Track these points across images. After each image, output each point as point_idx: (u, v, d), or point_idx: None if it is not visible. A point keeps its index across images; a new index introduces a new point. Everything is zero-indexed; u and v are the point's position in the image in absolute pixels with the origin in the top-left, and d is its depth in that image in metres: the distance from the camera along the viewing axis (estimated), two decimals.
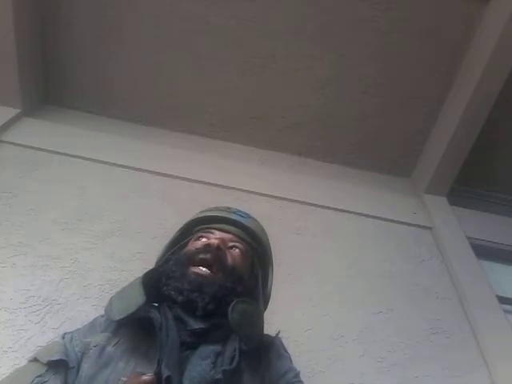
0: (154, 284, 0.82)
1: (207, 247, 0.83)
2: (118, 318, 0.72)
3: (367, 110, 2.28)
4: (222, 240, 0.86)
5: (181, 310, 0.78)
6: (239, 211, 0.98)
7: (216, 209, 0.99)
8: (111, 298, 0.78)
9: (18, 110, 2.11)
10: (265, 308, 0.95)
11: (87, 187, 1.82)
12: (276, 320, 1.13)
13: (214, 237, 0.87)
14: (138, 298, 0.73)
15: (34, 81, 2.23)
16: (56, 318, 1.28)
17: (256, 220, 1.01)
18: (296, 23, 2.10)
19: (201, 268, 0.81)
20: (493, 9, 1.97)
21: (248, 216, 0.99)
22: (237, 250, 0.88)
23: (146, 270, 0.86)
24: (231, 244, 0.88)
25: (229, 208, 1.00)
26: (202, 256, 0.82)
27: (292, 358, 0.85)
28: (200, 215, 0.98)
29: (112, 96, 2.32)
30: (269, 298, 0.99)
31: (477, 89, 2.01)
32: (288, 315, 1.44)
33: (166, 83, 2.27)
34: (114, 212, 1.73)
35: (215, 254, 0.82)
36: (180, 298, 0.78)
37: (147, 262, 1.03)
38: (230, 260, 0.84)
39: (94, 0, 2.09)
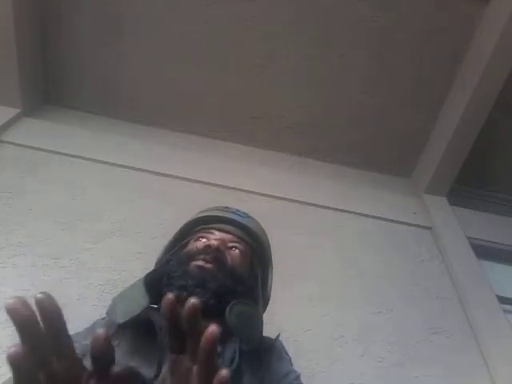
0: (156, 285, 0.82)
1: (207, 248, 0.83)
2: (121, 320, 0.72)
3: (367, 110, 2.28)
4: (222, 241, 0.86)
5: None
6: (238, 211, 0.98)
7: (215, 209, 0.99)
8: (113, 300, 0.78)
9: (18, 110, 2.11)
10: (264, 308, 0.95)
11: (87, 187, 1.82)
12: (276, 320, 1.13)
13: (214, 237, 0.87)
14: (141, 300, 0.73)
15: (34, 81, 2.23)
16: None
17: (255, 219, 1.01)
18: (296, 23, 2.10)
19: (203, 262, 0.81)
20: (493, 9, 1.97)
21: (247, 216, 0.99)
22: (236, 251, 0.88)
23: (147, 271, 0.86)
24: (231, 244, 0.88)
25: (228, 208, 0.99)
26: (202, 257, 0.82)
27: (292, 358, 0.85)
28: (199, 215, 0.98)
29: (112, 96, 2.32)
30: (269, 298, 0.99)
31: (477, 89, 2.01)
32: (288, 315, 1.44)
33: (166, 83, 2.27)
34: (114, 212, 1.73)
35: (215, 255, 0.82)
36: (184, 294, 0.77)
37: (147, 261, 1.02)
38: (229, 261, 0.84)
39: (94, 0, 2.09)
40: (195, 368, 0.42)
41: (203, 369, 0.41)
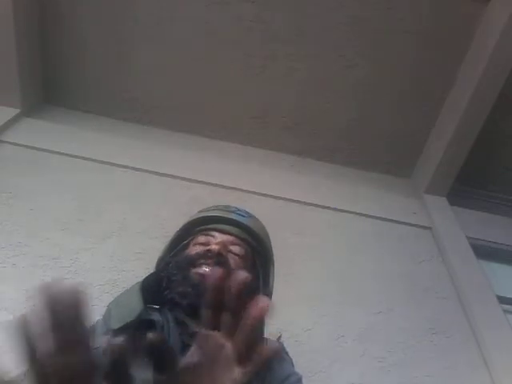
0: (155, 287, 0.81)
1: (208, 253, 0.82)
2: (115, 327, 0.71)
3: (367, 110, 2.28)
4: (223, 244, 0.85)
5: (183, 312, 0.76)
6: (238, 210, 0.97)
7: (216, 208, 0.98)
8: (109, 305, 0.77)
9: (18, 110, 2.11)
10: None
11: (87, 187, 1.82)
12: (276, 320, 1.13)
13: (215, 241, 0.86)
14: (135, 306, 0.73)
15: (34, 81, 2.23)
16: None
17: (255, 218, 1.00)
18: (296, 23, 2.10)
19: (203, 268, 0.80)
20: (493, 9, 1.97)
21: (248, 214, 0.98)
22: (238, 253, 0.86)
23: (147, 271, 0.85)
24: (232, 247, 0.87)
25: (228, 207, 0.98)
26: (202, 261, 0.81)
27: (292, 358, 0.85)
28: (200, 215, 0.97)
29: (112, 96, 2.32)
30: (271, 296, 0.99)
31: (477, 89, 2.01)
32: (288, 315, 1.44)
33: (166, 83, 2.27)
34: (114, 212, 1.73)
35: (216, 261, 0.80)
36: (184, 302, 0.76)
37: (147, 261, 1.03)
38: (231, 265, 0.82)
39: (94, 0, 2.09)
40: (229, 344, 0.40)
41: (244, 338, 0.39)
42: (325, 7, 2.05)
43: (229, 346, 0.40)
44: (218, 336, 0.41)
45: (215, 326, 0.41)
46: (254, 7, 2.06)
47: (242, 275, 0.39)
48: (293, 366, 0.83)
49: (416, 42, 2.11)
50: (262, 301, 0.37)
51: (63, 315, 0.39)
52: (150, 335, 0.40)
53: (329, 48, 2.14)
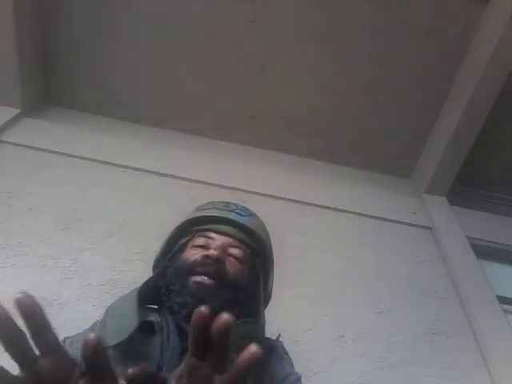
0: (153, 294, 0.81)
1: (207, 259, 0.80)
2: (111, 343, 0.69)
3: (367, 110, 2.28)
4: (222, 247, 0.82)
5: (182, 319, 0.76)
6: (237, 208, 0.95)
7: (214, 207, 0.95)
8: (105, 315, 0.76)
9: (18, 110, 2.11)
10: (266, 305, 0.94)
11: (87, 187, 1.82)
12: (276, 320, 1.13)
13: (214, 245, 0.83)
14: (130, 322, 0.71)
15: (34, 81, 2.23)
16: (56, 317, 1.28)
17: (255, 215, 0.98)
18: (296, 23, 2.10)
19: (202, 277, 0.78)
20: (493, 9, 1.98)
21: (247, 213, 0.95)
22: (237, 257, 0.85)
23: (147, 271, 0.85)
24: (231, 250, 0.85)
25: (227, 205, 0.95)
26: (201, 269, 0.79)
27: (292, 357, 0.85)
28: (197, 214, 0.94)
29: (111, 96, 2.32)
30: (270, 295, 0.98)
31: (477, 89, 2.01)
32: (288, 315, 1.44)
33: (166, 83, 2.27)
34: (114, 212, 1.73)
35: (215, 269, 0.79)
36: (184, 312, 0.75)
37: (147, 262, 1.02)
38: (230, 271, 0.81)
39: (94, 0, 2.09)
40: (219, 376, 0.41)
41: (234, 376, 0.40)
42: (325, 7, 2.05)
43: (217, 378, 0.42)
44: (205, 366, 0.42)
45: (202, 356, 0.43)
46: (254, 7, 2.06)
47: (225, 317, 0.39)
48: (292, 365, 0.82)
49: (416, 43, 2.11)
50: (251, 349, 0.38)
51: (28, 324, 0.38)
52: (131, 370, 0.40)
53: (329, 48, 2.14)
